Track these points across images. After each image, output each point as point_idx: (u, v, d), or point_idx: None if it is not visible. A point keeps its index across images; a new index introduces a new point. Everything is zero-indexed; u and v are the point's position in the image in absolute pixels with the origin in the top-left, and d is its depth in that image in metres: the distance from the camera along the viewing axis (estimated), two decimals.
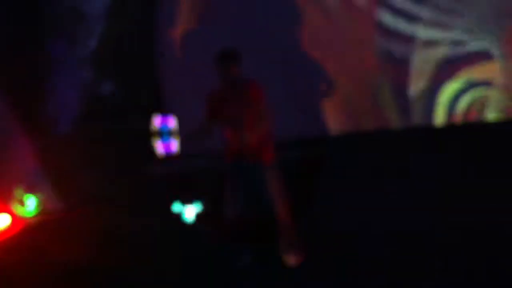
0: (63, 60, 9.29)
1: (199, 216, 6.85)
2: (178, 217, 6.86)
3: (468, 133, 8.15)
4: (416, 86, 8.72)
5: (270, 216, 5.44)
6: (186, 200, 7.01)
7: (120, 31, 9.11)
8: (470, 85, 8.56)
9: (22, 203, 7.21)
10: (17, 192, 7.29)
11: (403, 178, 7.23)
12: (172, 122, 5.33)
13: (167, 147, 5.30)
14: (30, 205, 7.23)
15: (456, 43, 8.56)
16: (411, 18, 8.62)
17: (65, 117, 9.08)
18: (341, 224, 6.07)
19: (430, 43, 8.63)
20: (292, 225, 5.40)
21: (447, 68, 8.62)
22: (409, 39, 8.62)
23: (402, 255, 5.12)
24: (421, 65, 8.67)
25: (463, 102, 8.60)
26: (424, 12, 8.57)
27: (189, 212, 6.84)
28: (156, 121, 5.33)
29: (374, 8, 8.71)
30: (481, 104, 8.54)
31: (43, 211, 7.26)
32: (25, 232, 6.88)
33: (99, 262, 5.79)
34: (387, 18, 8.67)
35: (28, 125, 8.33)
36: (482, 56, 8.48)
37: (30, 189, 7.35)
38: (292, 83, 8.75)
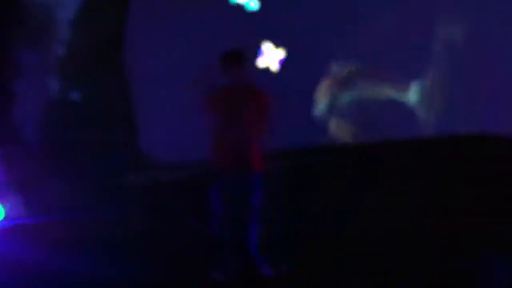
0: (29, 66, 9.07)
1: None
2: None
3: None
4: None
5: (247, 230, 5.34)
6: None
7: (90, 37, 8.93)
8: None
9: None
10: None
11: None
12: None
13: None
14: None
15: None
16: None
17: (30, 124, 8.84)
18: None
19: None
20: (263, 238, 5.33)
21: None
22: None
23: None
24: None
25: None
26: None
27: None
28: None
29: None
30: None
31: (8, 218, 7.00)
32: None
33: (66, 268, 5.56)
34: None
35: None
36: None
37: None
38: None
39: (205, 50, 8.58)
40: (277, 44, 6.17)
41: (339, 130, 9.07)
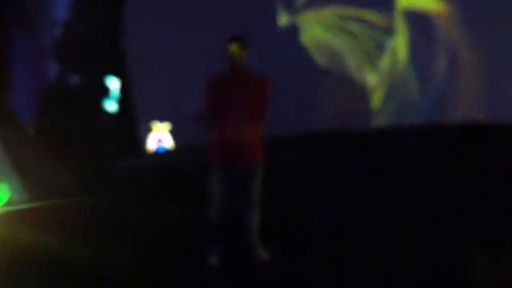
0: (25, 51, 9.04)
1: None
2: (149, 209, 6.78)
3: None
4: None
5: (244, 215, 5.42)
6: None
7: (87, 23, 8.92)
8: None
9: None
10: None
11: None
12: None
13: None
14: None
15: None
16: None
17: (27, 108, 8.85)
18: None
19: None
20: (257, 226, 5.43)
21: None
22: None
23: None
24: None
25: None
26: None
27: None
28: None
29: None
30: None
31: (10, 202, 7.04)
32: None
33: (68, 252, 5.62)
34: None
35: None
36: None
37: None
38: None
39: (201, 36, 8.69)
40: None
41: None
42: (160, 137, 7.55)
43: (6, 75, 8.67)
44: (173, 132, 8.33)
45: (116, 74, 8.86)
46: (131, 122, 8.43)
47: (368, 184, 7.26)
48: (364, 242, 5.73)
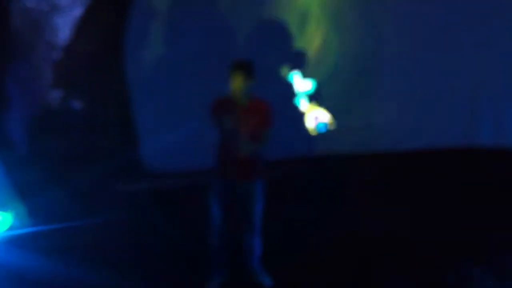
0: (24, 72, 9.08)
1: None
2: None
3: None
4: None
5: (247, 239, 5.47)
6: None
7: (89, 46, 8.97)
8: None
9: None
10: None
11: None
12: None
13: None
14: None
15: None
16: None
17: (25, 131, 8.86)
18: None
19: None
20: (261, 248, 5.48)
21: None
22: None
23: None
24: None
25: None
26: None
27: None
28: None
29: None
30: None
31: (12, 227, 7.05)
32: None
33: (73, 276, 5.76)
34: None
35: None
36: None
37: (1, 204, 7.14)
38: None
39: (204, 58, 8.76)
40: None
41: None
42: (316, 114, 7.49)
43: (3, 96, 8.69)
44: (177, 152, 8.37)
45: (117, 95, 8.89)
46: (133, 144, 8.46)
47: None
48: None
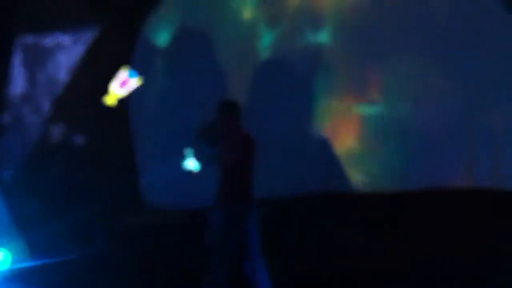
0: (26, 109, 9.17)
1: None
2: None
3: None
4: None
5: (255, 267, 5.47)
6: None
7: (91, 82, 9.07)
8: None
9: None
10: None
11: None
12: None
13: None
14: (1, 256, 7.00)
15: None
16: None
17: (11, 164, 8.87)
18: None
19: None
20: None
21: None
22: None
23: None
24: None
25: None
26: None
27: None
28: None
29: None
30: None
31: (12, 263, 7.04)
32: None
33: None
34: None
35: None
36: None
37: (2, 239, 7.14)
38: None
39: (205, 94, 8.87)
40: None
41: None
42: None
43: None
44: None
45: (118, 131, 8.97)
46: (134, 179, 8.51)
47: None
48: None
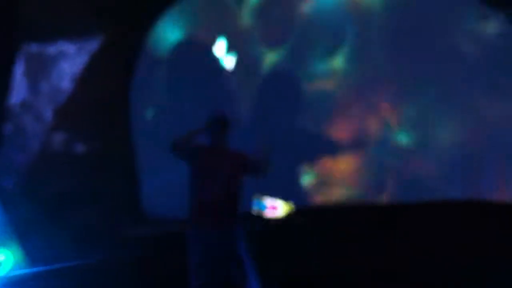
0: (29, 117, 9.20)
1: None
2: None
3: None
4: None
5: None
6: None
7: (94, 90, 9.13)
8: None
9: None
10: None
11: None
12: None
13: None
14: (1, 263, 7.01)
15: None
16: None
17: (13, 172, 8.89)
18: None
19: None
20: None
21: None
22: None
23: None
24: None
25: None
26: None
27: None
28: None
29: None
30: None
31: (11, 269, 7.06)
32: None
33: None
34: None
35: None
36: None
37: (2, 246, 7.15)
38: None
39: (207, 105, 8.91)
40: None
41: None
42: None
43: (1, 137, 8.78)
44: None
45: (120, 139, 9.00)
46: (134, 188, 8.53)
47: None
48: None
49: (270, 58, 9.55)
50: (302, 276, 6.42)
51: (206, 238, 5.41)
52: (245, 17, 9.63)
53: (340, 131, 9.30)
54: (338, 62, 9.47)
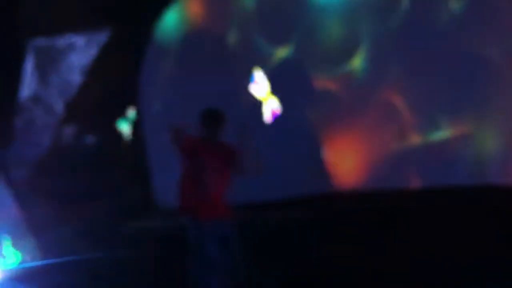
0: (39, 109, 9.29)
1: None
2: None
3: None
4: None
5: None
6: None
7: (103, 83, 9.19)
8: None
9: (2, 254, 7.10)
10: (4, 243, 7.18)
11: None
12: None
13: None
14: (10, 256, 7.12)
15: None
16: None
17: (24, 166, 8.97)
18: None
19: None
20: None
21: None
22: None
23: None
24: None
25: None
26: None
27: None
28: None
29: None
30: None
31: (21, 263, 7.17)
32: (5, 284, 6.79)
33: None
34: None
35: None
36: None
37: (12, 240, 7.26)
38: None
39: (216, 97, 8.93)
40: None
41: None
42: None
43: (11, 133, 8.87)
44: None
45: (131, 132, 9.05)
46: (145, 182, 8.59)
47: None
48: None
49: (280, 53, 9.53)
50: (302, 276, 6.46)
51: (201, 228, 5.41)
52: (253, 10, 9.59)
53: (350, 130, 9.30)
54: (355, 61, 9.42)
